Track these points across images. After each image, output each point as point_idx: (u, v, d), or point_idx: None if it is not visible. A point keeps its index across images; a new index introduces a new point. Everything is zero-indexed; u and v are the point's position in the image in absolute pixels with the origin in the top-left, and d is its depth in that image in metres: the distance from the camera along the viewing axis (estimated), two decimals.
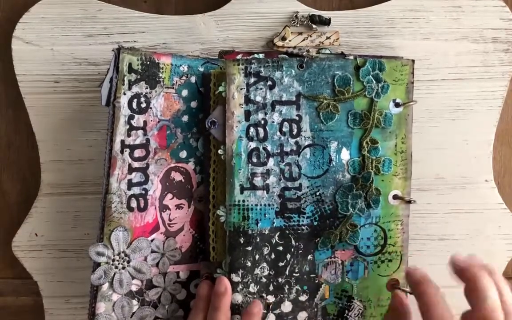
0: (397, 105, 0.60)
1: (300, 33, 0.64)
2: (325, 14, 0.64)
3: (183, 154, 0.61)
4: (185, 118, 0.61)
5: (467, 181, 0.65)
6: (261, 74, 0.58)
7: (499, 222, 0.65)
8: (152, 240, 0.60)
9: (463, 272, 0.50)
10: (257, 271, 0.58)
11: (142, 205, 0.60)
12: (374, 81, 0.59)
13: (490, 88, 0.65)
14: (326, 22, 0.63)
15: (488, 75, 0.65)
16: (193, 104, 0.62)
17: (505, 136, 0.68)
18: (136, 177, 0.60)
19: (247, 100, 0.58)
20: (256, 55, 0.59)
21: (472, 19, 0.65)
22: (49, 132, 0.65)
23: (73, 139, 0.65)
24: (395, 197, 0.60)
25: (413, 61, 0.60)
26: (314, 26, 0.64)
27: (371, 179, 0.59)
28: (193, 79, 0.62)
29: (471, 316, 0.49)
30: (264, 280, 0.59)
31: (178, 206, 0.61)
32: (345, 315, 0.60)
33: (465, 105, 0.65)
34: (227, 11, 0.65)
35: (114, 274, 0.59)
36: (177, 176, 0.61)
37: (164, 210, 0.61)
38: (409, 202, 0.60)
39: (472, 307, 0.49)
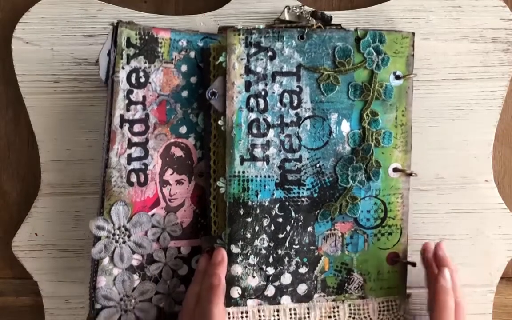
0: (397, 77, 0.60)
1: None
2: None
3: (183, 129, 0.61)
4: (184, 94, 0.61)
5: (467, 181, 0.65)
6: (261, 44, 0.58)
7: (499, 222, 0.65)
8: (152, 215, 0.60)
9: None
10: (257, 242, 0.58)
11: (142, 180, 0.60)
12: (374, 53, 0.59)
13: (490, 88, 0.65)
14: (328, 20, 0.63)
15: (488, 75, 0.65)
16: (193, 79, 0.61)
17: (505, 136, 0.67)
18: (135, 151, 0.60)
19: (248, 71, 0.58)
20: (256, 26, 0.59)
21: (472, 19, 0.64)
22: (49, 132, 0.65)
23: (73, 139, 0.65)
24: (395, 169, 0.60)
25: (413, 33, 0.60)
26: (315, 21, 0.63)
27: (371, 151, 0.59)
28: (192, 54, 0.61)
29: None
30: (264, 251, 0.58)
31: (179, 182, 0.61)
32: (345, 287, 0.60)
33: (465, 105, 0.65)
34: (227, 11, 0.64)
35: (115, 248, 0.59)
36: (177, 152, 0.61)
37: (165, 185, 0.61)
38: (410, 175, 0.60)
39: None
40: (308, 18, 0.62)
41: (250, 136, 0.58)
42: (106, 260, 0.59)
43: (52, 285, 0.66)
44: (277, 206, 0.59)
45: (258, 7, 0.64)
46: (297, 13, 0.62)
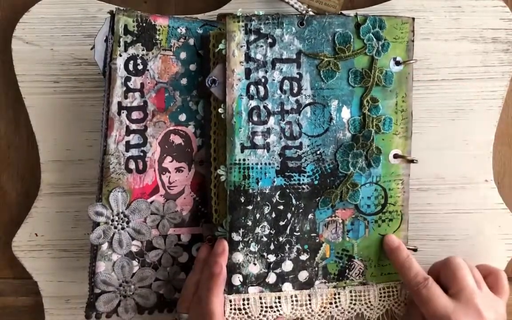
0: (397, 63, 0.59)
1: None
2: None
3: (183, 117, 0.61)
4: (183, 81, 0.61)
5: (467, 181, 0.65)
6: (261, 31, 0.57)
7: (499, 222, 0.65)
8: (151, 202, 0.60)
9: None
10: (258, 230, 0.58)
11: (140, 167, 0.60)
12: (374, 39, 0.59)
13: (490, 88, 0.65)
14: None
15: (488, 75, 0.65)
16: (192, 67, 0.61)
17: (505, 136, 0.67)
18: (134, 139, 0.59)
19: (248, 58, 0.57)
20: (256, 12, 0.58)
21: (472, 19, 0.64)
22: (49, 132, 0.65)
23: (73, 139, 0.65)
24: (396, 156, 0.60)
25: (413, 19, 0.60)
26: None
27: (371, 138, 0.59)
28: (191, 41, 0.61)
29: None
30: (265, 239, 0.58)
31: (178, 169, 0.61)
32: (346, 274, 0.60)
33: (465, 105, 0.65)
34: (227, 12, 0.63)
35: (113, 234, 0.59)
36: (177, 139, 0.61)
37: (164, 172, 0.61)
38: (410, 161, 0.60)
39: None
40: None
41: (250, 123, 0.58)
42: (105, 246, 0.59)
43: (52, 285, 0.66)
44: (277, 193, 0.58)
45: (258, 8, 0.64)
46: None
